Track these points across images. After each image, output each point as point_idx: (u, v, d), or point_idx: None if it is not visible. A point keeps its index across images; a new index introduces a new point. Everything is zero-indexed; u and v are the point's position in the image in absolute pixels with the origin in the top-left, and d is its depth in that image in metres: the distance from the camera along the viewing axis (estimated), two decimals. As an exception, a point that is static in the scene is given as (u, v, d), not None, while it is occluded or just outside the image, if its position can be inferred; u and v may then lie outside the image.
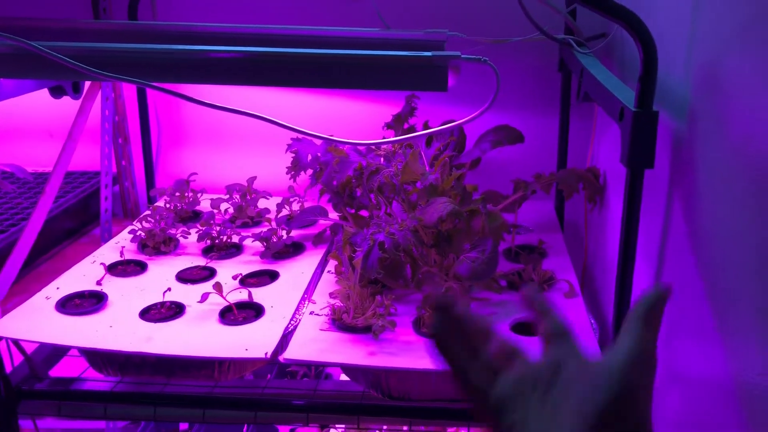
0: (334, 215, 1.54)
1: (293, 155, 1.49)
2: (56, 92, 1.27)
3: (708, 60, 0.85)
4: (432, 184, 1.25)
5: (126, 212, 1.81)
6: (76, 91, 1.30)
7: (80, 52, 1.01)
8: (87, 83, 1.40)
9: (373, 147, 1.40)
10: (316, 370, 1.86)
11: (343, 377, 1.84)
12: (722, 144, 0.80)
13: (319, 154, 1.45)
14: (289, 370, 1.78)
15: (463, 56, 1.08)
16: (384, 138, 1.63)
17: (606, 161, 1.43)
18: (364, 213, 1.48)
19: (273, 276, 1.38)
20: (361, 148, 1.42)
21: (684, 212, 0.90)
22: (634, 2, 1.05)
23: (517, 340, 1.12)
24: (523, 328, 1.18)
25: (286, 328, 1.17)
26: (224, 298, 1.24)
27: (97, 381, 1.30)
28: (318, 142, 1.51)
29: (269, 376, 1.66)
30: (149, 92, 1.71)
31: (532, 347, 1.09)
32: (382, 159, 1.36)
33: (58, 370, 1.31)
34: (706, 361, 0.83)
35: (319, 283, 1.35)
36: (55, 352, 1.30)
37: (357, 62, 1.05)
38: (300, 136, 1.52)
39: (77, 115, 1.45)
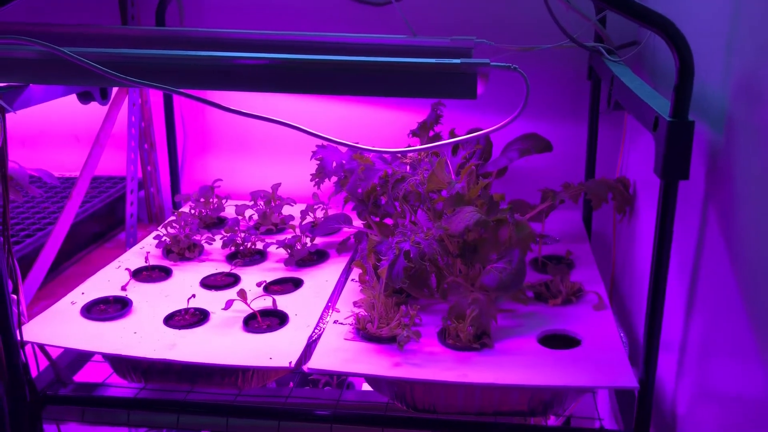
0: (358, 223, 1.53)
1: (318, 162, 1.48)
2: (84, 98, 1.28)
3: (747, 69, 0.82)
4: (458, 192, 1.24)
5: (151, 217, 1.81)
6: (103, 97, 1.30)
7: (109, 58, 1.01)
8: (114, 89, 1.41)
9: (399, 155, 1.39)
10: (338, 379, 1.85)
11: (366, 387, 1.83)
12: (762, 155, 0.77)
13: (344, 162, 1.44)
14: (312, 379, 1.77)
15: (492, 63, 1.07)
16: (409, 146, 1.62)
17: (637, 171, 1.40)
18: (388, 221, 1.46)
19: (297, 283, 1.37)
20: (386, 156, 1.41)
21: (720, 225, 0.87)
22: (669, 9, 1.03)
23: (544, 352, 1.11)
24: (550, 340, 1.15)
25: (310, 336, 1.16)
26: (248, 306, 1.23)
27: (121, 387, 1.31)
28: (343, 149, 1.51)
29: (291, 384, 1.65)
30: (175, 99, 1.72)
31: (557, 360, 1.08)
32: (408, 167, 1.35)
33: (83, 376, 1.31)
34: (744, 379, 0.81)
35: (343, 291, 1.34)
36: (80, 358, 1.31)
37: (386, 70, 1.04)
38: (325, 143, 1.52)
39: (104, 121, 1.46)
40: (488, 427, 1.08)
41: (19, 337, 1.12)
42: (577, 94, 1.66)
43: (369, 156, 1.38)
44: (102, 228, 1.68)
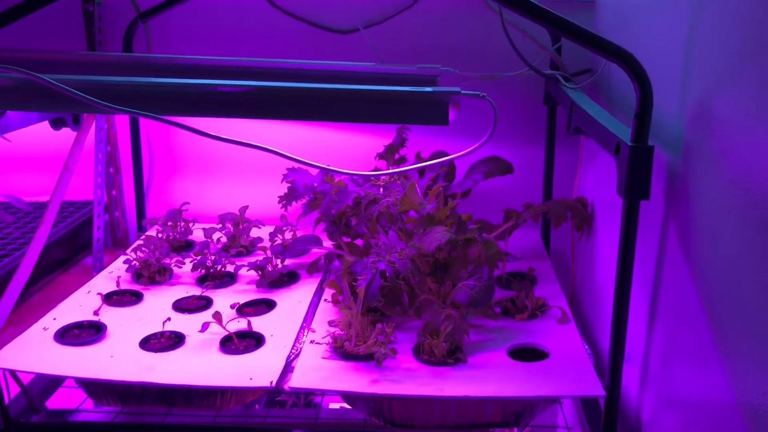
0: (328, 244, 1.56)
1: (289, 184, 1.52)
2: (57, 124, 1.29)
3: (702, 99, 0.90)
4: (429, 213, 1.29)
5: (116, 242, 1.81)
6: (76, 123, 1.31)
7: (89, 85, 1.03)
8: (84, 115, 1.42)
9: (372, 178, 1.44)
10: (306, 398, 1.87)
11: (333, 405, 1.85)
12: (718, 178, 0.85)
13: (315, 184, 1.47)
14: (279, 399, 1.79)
15: (462, 92, 1.13)
16: (376, 168, 1.67)
17: (593, 191, 1.48)
18: (358, 242, 1.50)
19: (270, 305, 1.39)
20: (356, 178, 1.45)
21: (680, 239, 0.94)
22: (627, 39, 1.11)
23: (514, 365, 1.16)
24: (519, 353, 1.21)
25: (288, 356, 1.19)
26: (224, 328, 1.25)
27: (95, 412, 1.30)
28: (314, 172, 1.54)
29: (257, 406, 1.66)
30: (142, 123, 1.72)
31: (528, 372, 1.13)
32: (381, 189, 1.39)
33: (54, 402, 1.30)
34: (704, 384, 0.87)
35: (317, 311, 1.37)
36: (51, 384, 1.30)
37: (362, 97, 1.09)
38: (296, 166, 1.56)
39: (73, 146, 1.46)
40: (464, 439, 1.12)
41: (-6, 364, 1.11)
42: (534, 118, 1.74)
43: (341, 178, 1.42)
44: (67, 253, 1.67)
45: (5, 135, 1.01)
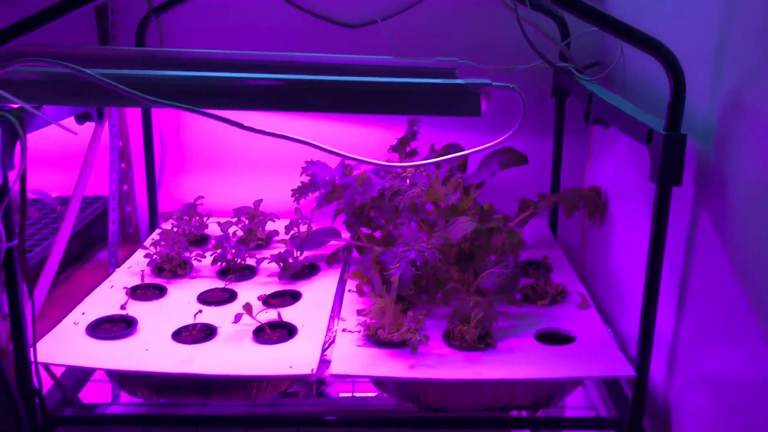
0: (345, 236, 1.58)
1: (309, 177, 1.53)
2: (82, 119, 1.29)
3: (735, 87, 0.94)
4: (454, 204, 1.32)
5: (126, 237, 1.81)
6: (100, 117, 1.31)
7: (128, 79, 1.04)
8: (106, 110, 1.42)
9: (392, 170, 1.46)
10: (317, 388, 1.89)
11: (343, 394, 1.87)
12: (752, 165, 0.89)
13: (336, 177, 1.49)
14: (290, 391, 1.81)
15: (494, 84, 1.16)
16: (389, 160, 1.69)
17: (606, 180, 1.52)
18: (376, 234, 1.53)
19: (294, 296, 1.41)
20: (379, 170, 1.47)
21: (713, 223, 0.98)
22: (660, 28, 1.14)
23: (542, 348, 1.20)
24: (546, 338, 1.24)
25: (323, 345, 1.21)
26: (255, 319, 1.27)
27: (127, 405, 1.31)
28: (332, 165, 1.56)
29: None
30: (154, 119, 1.73)
31: (557, 356, 1.16)
32: (406, 181, 1.42)
33: (82, 397, 1.31)
34: (740, 363, 0.91)
35: (343, 301, 1.39)
36: (81, 378, 1.30)
37: (394, 89, 1.11)
38: (315, 158, 1.58)
39: (91, 141, 1.46)
40: (500, 422, 1.16)
41: (33, 358, 1.11)
42: (541, 110, 1.77)
43: (364, 170, 1.44)
44: (80, 249, 1.67)
45: (56, 124, 1.00)
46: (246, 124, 1.10)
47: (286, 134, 1.13)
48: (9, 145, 1.01)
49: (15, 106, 1.05)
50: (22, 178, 1.04)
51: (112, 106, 1.25)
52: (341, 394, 1.99)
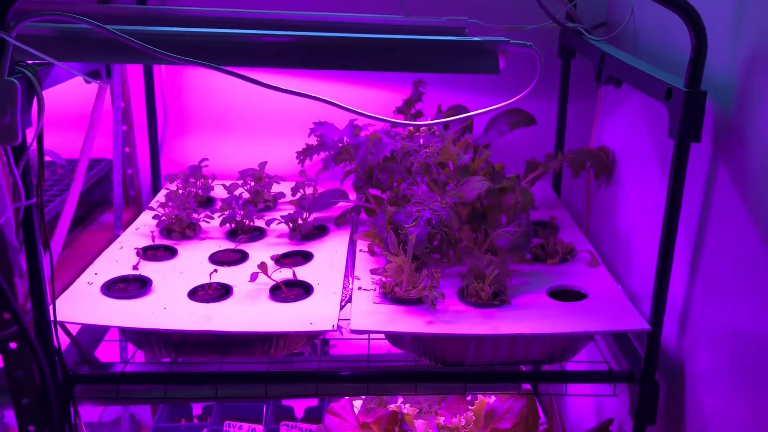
0: (352, 197, 1.58)
1: (318, 138, 1.53)
2: (91, 77, 1.27)
3: (757, 46, 0.95)
4: (466, 164, 1.32)
5: (128, 199, 1.79)
6: (108, 76, 1.30)
7: (141, 35, 1.02)
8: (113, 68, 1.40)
9: (403, 131, 1.46)
10: (322, 348, 1.91)
11: (345, 353, 1.88)
12: (775, 118, 0.91)
13: (345, 138, 1.49)
14: (295, 351, 1.83)
15: (511, 42, 1.16)
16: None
17: (614, 140, 1.53)
18: (385, 195, 1.53)
19: (306, 256, 1.42)
20: (389, 130, 1.47)
21: (732, 179, 1.00)
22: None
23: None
24: (558, 294, 1.27)
25: (341, 302, 1.22)
26: (270, 278, 1.27)
27: (142, 364, 1.32)
28: (341, 126, 1.56)
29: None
30: (156, 79, 1.70)
31: (571, 311, 1.19)
32: (420, 141, 1.42)
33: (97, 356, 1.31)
34: (755, 316, 0.94)
35: (356, 261, 1.40)
36: (95, 337, 1.30)
37: (417, 47, 1.11)
38: (323, 119, 1.57)
39: (96, 101, 1.44)
40: (514, 376, 1.18)
41: (51, 316, 1.11)
42: (546, 71, 1.77)
43: (376, 131, 1.44)
44: (83, 211, 1.65)
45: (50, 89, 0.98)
46: (262, 82, 1.09)
47: (312, 94, 1.12)
48: (26, 102, 0.99)
49: (30, 62, 1.03)
50: (40, 136, 1.02)
51: (127, 63, 1.23)
52: (345, 354, 2.02)
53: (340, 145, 1.53)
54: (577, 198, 1.77)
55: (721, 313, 1.05)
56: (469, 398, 1.68)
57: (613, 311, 1.20)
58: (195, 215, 1.52)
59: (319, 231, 1.53)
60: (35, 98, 0.99)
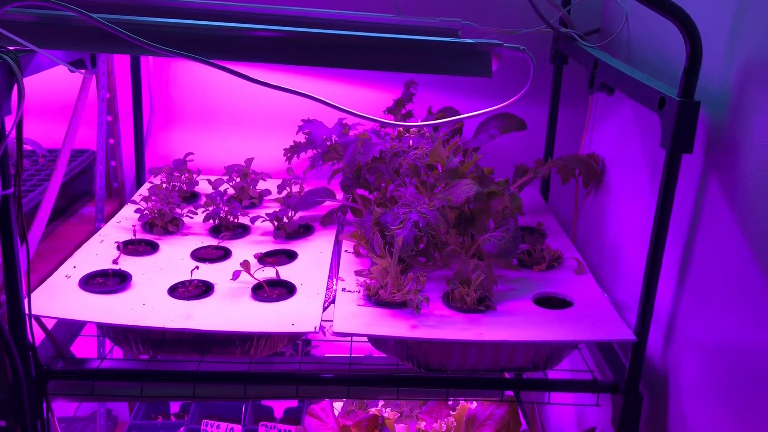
0: (340, 196, 1.56)
1: (305, 135, 1.51)
2: (75, 66, 1.24)
3: (753, 57, 0.94)
4: (455, 167, 1.31)
5: (111, 192, 1.76)
6: (93, 65, 1.27)
7: (128, 25, 1.00)
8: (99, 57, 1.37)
9: (393, 132, 1.45)
10: (303, 348, 1.89)
11: (328, 355, 1.87)
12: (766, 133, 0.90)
13: (334, 136, 1.47)
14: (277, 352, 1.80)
15: (504, 45, 1.14)
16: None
17: (604, 148, 1.53)
18: (371, 196, 1.51)
19: (290, 255, 1.40)
20: (378, 130, 1.45)
21: (724, 190, 0.99)
22: None
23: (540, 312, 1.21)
24: (544, 302, 1.25)
25: (323, 303, 1.20)
26: (253, 276, 1.25)
27: (118, 360, 1.29)
28: (329, 124, 1.54)
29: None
30: (143, 72, 1.68)
31: (556, 319, 1.17)
32: (408, 142, 1.40)
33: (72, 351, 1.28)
34: (744, 330, 0.93)
35: (341, 262, 1.38)
36: (72, 333, 1.27)
37: (410, 47, 1.09)
38: (312, 117, 1.55)
39: (80, 91, 1.41)
40: (497, 383, 1.17)
41: (27, 310, 1.08)
42: (537, 76, 1.77)
43: (365, 130, 1.42)
44: (64, 203, 1.62)
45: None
46: (251, 77, 1.07)
47: (303, 91, 1.10)
48: (6, 89, 0.96)
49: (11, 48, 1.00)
50: (19, 125, 1.00)
51: (112, 53, 1.20)
52: (327, 355, 2.00)
53: (329, 143, 1.51)
54: (565, 205, 1.75)
55: (707, 325, 1.04)
56: (450, 403, 1.67)
57: (599, 320, 1.18)
58: (178, 210, 1.50)
59: (304, 230, 1.51)
60: (15, 85, 0.96)
